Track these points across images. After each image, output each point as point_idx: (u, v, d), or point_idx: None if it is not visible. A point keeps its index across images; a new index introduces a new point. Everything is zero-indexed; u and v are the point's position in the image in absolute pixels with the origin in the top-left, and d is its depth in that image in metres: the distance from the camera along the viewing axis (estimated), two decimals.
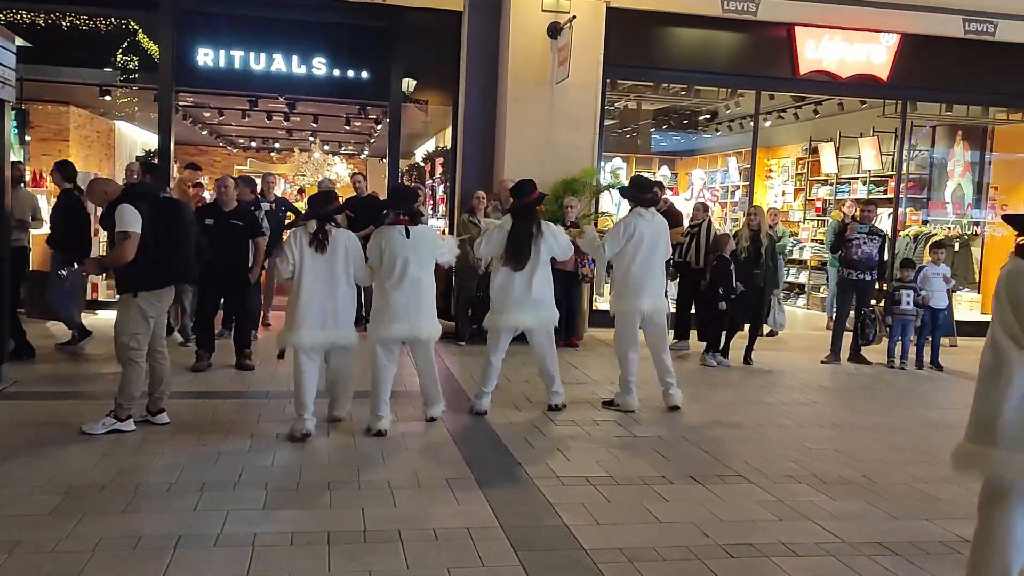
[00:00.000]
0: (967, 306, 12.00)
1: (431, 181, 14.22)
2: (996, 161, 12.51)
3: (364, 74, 10.98)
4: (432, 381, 6.07)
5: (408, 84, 11.36)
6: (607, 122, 13.06)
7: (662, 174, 14.12)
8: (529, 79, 10.29)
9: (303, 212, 10.52)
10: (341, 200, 6.12)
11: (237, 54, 10.59)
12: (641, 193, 6.67)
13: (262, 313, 9.65)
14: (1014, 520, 2.98)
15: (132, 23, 10.50)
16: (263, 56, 10.62)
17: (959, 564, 3.90)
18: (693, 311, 9.56)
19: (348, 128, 16.36)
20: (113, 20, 10.49)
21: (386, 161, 11.79)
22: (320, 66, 10.78)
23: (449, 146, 11.64)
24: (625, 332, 6.65)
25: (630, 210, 6.75)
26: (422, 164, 15.88)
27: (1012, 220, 3.38)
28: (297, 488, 4.54)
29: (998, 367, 3.00)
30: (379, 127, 15.60)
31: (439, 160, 13.60)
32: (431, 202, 13.93)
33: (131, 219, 5.23)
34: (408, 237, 5.72)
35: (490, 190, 10.25)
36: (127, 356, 5.40)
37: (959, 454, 3.09)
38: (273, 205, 9.73)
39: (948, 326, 9.73)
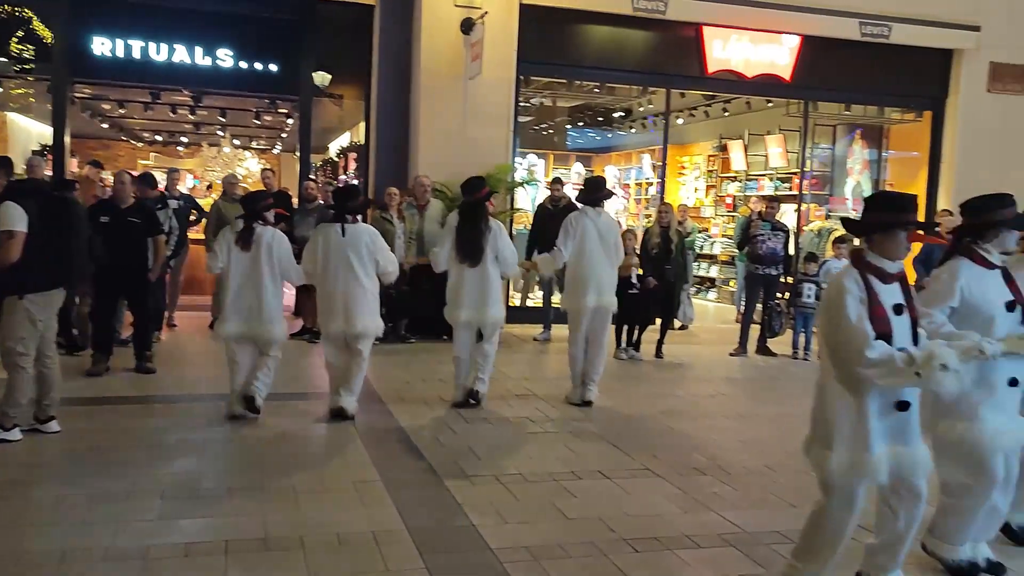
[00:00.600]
0: None
1: (344, 176, 13.99)
2: (892, 159, 13.04)
3: (273, 67, 10.72)
4: (354, 375, 6.06)
5: (323, 78, 11.14)
6: (523, 118, 13.08)
7: (576, 171, 14.23)
8: (442, 74, 10.22)
9: (207, 209, 10.26)
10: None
11: (137, 44, 10.19)
12: (589, 194, 6.89)
13: (167, 314, 9.33)
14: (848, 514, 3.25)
15: (27, 10, 9.98)
16: (164, 47, 10.25)
17: (854, 552, 4.04)
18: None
19: (258, 122, 15.96)
20: (6, 6, 9.96)
21: (299, 156, 11.55)
22: (226, 58, 10.47)
23: (362, 141, 11.48)
24: (572, 329, 6.85)
25: (578, 209, 6.97)
26: (336, 159, 15.62)
27: (848, 224, 3.43)
28: (196, 496, 4.38)
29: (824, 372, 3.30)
30: (290, 121, 15.27)
31: (352, 155, 13.40)
32: None
33: (15, 217, 4.96)
34: (344, 235, 5.89)
35: (404, 186, 10.14)
36: (13, 361, 5.12)
37: (805, 447, 3.43)
38: (181, 203, 9.41)
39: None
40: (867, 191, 13.15)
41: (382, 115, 10.67)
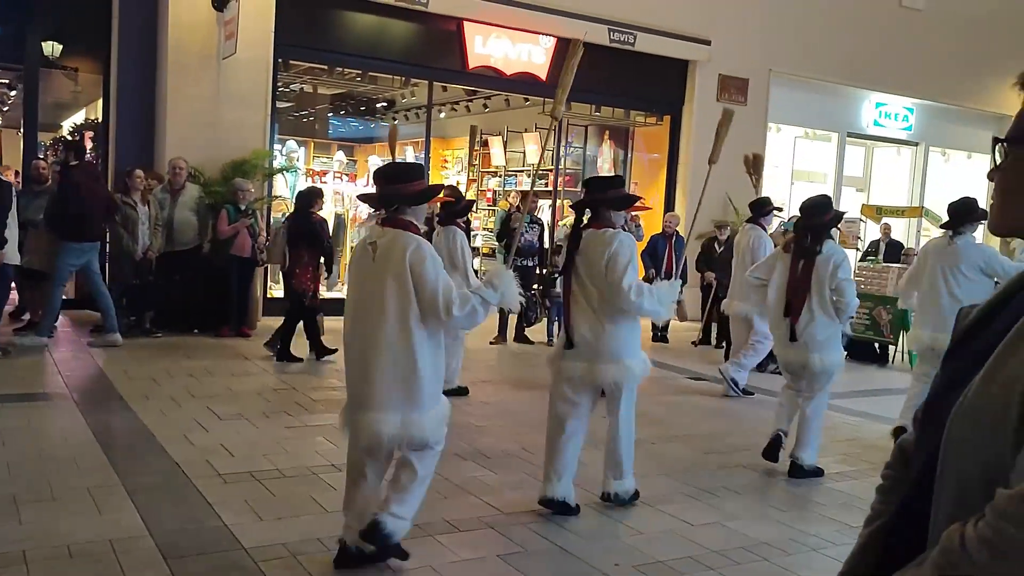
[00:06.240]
0: None
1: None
2: (636, 160, 14.02)
3: None
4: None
5: (53, 48, 10.08)
6: (284, 104, 12.61)
7: (337, 159, 13.97)
8: (193, 51, 9.59)
9: None
10: None
11: None
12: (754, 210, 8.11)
13: None
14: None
15: None
16: None
17: (601, 520, 4.31)
18: None
19: None
20: None
21: (23, 133, 10.34)
22: None
23: (100, 119, 10.51)
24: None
25: None
26: (69, 138, 14.17)
27: (366, 199, 3.85)
28: None
29: None
30: (13, 93, 13.64)
31: (89, 134, 12.22)
32: None
33: None
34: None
35: (150, 168, 9.42)
36: None
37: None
38: None
39: None
40: None
41: (124, 92, 9.82)
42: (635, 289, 4.14)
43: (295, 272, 7.88)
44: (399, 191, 3.50)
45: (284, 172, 11.25)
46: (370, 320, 3.38)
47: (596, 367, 4.25)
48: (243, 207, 8.91)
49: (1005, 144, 1.24)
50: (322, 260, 8.17)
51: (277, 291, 11.26)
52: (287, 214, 9.48)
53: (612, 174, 4.43)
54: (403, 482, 3.51)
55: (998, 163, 1.25)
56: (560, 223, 13.07)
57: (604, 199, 4.39)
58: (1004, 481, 1.05)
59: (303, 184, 12.58)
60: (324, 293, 9.35)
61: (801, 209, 5.43)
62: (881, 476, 1.49)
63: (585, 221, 4.46)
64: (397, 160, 9.17)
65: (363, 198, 3.88)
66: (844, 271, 5.19)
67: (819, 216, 5.27)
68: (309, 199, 8.12)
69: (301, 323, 8.02)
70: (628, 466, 4.50)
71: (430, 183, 4.24)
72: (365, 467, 3.54)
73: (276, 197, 11.15)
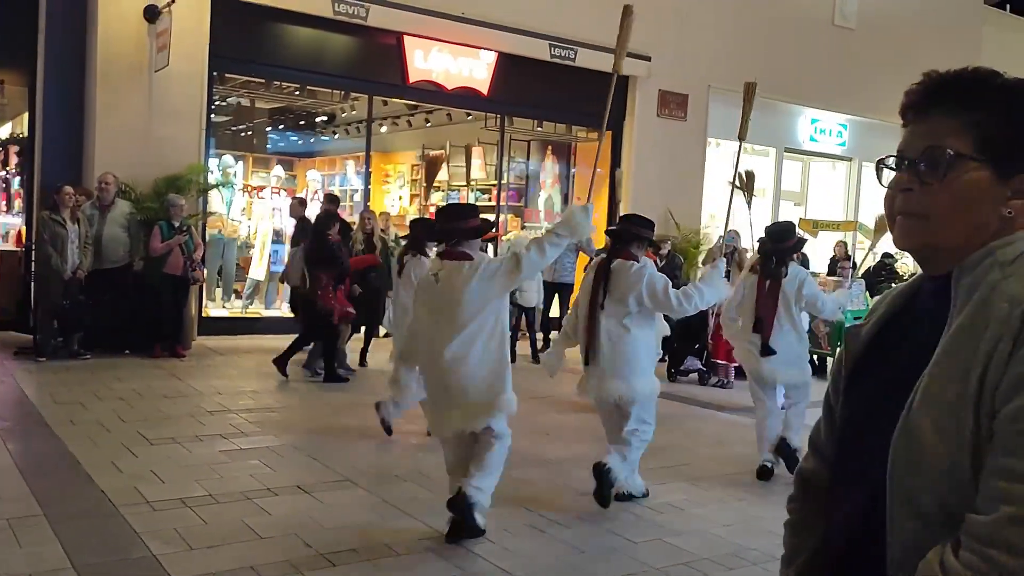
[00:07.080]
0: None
1: (5, 172, 12.29)
2: (578, 174, 14.09)
3: None
4: None
5: None
6: (220, 118, 12.38)
7: (276, 174, 13.75)
8: (124, 63, 9.35)
9: None
10: None
11: None
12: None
13: None
14: None
15: None
16: None
17: (543, 540, 4.25)
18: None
19: None
20: None
21: None
22: None
23: (26, 133, 10.17)
24: None
25: None
26: None
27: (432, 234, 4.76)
28: None
29: None
30: None
31: (14, 148, 11.81)
32: (4, 196, 12.04)
33: None
34: None
35: (78, 184, 9.12)
36: None
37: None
38: None
39: (544, 323, 10.68)
40: (557, 204, 14.10)
41: (51, 104, 9.52)
42: (683, 300, 4.70)
43: (317, 294, 7.82)
44: (458, 227, 4.05)
45: (220, 187, 11.02)
46: (442, 336, 3.98)
47: (609, 383, 4.74)
48: (177, 223, 8.71)
49: (922, 165, 1.18)
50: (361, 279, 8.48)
51: (214, 310, 11.02)
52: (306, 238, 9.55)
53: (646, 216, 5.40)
54: (483, 458, 4.14)
55: (921, 180, 1.20)
56: (503, 238, 13.05)
57: (640, 236, 4.91)
58: (964, 503, 1.02)
59: (240, 199, 12.40)
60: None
61: (767, 234, 5.89)
62: (787, 510, 1.44)
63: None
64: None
65: (430, 233, 5.14)
66: (808, 287, 5.55)
67: (784, 241, 5.70)
68: (326, 223, 8.10)
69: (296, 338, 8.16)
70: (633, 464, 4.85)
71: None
72: (451, 454, 4.26)
73: (211, 213, 10.91)
